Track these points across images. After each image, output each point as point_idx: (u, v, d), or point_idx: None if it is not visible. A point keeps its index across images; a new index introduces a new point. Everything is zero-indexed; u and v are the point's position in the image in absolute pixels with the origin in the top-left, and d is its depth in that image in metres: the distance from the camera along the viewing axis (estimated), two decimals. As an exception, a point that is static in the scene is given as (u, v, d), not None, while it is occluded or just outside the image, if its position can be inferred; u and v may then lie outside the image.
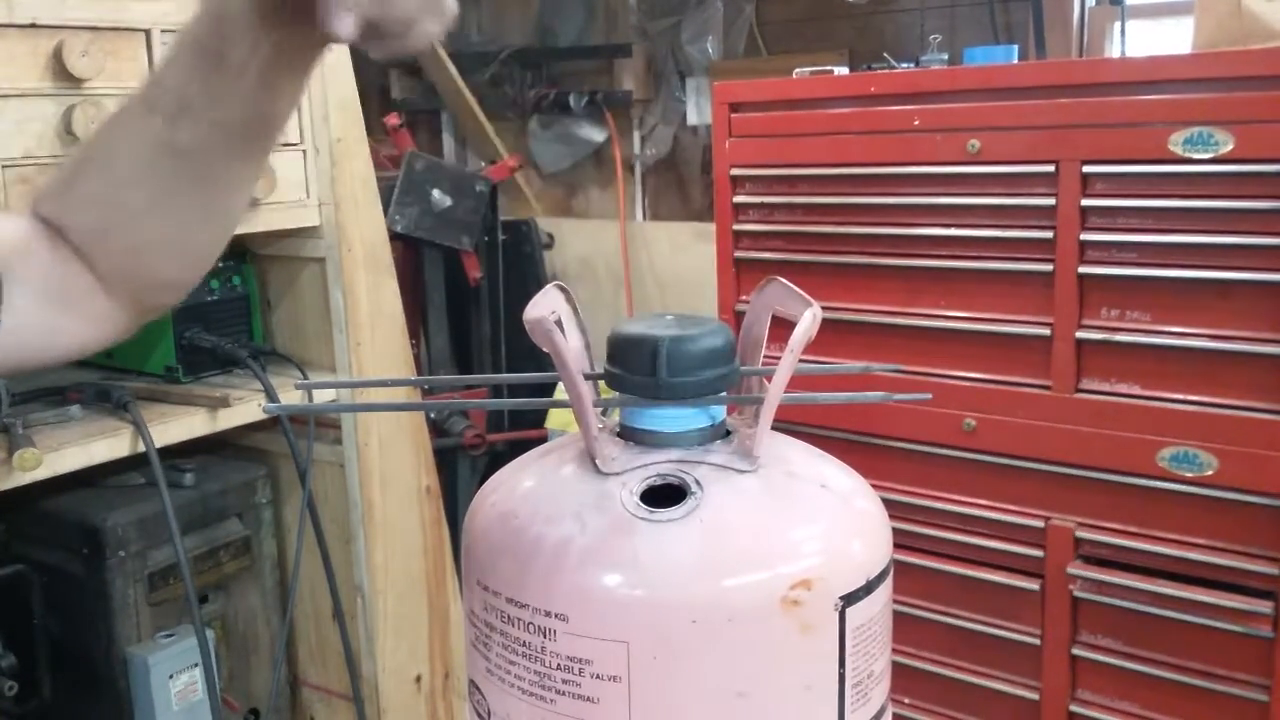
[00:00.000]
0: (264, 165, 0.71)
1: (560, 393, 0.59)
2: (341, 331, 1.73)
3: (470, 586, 0.57)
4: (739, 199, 1.68)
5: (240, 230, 1.09)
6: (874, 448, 1.60)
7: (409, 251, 2.87)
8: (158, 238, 0.73)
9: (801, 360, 0.55)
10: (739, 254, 1.70)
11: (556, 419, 2.89)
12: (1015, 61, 1.62)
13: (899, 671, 0.61)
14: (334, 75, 1.70)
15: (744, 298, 1.71)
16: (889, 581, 0.56)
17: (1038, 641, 1.48)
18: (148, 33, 1.46)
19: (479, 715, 0.58)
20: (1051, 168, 1.38)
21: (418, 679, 1.88)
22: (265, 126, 0.70)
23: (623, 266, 3.35)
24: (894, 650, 0.58)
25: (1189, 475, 1.33)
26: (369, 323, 1.75)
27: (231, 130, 0.68)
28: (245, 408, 1.57)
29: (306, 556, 1.68)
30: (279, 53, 0.65)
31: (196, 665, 1.53)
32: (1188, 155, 1.28)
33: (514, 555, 0.54)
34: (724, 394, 0.58)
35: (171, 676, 1.53)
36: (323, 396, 1.65)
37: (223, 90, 0.65)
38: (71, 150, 0.73)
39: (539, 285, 0.85)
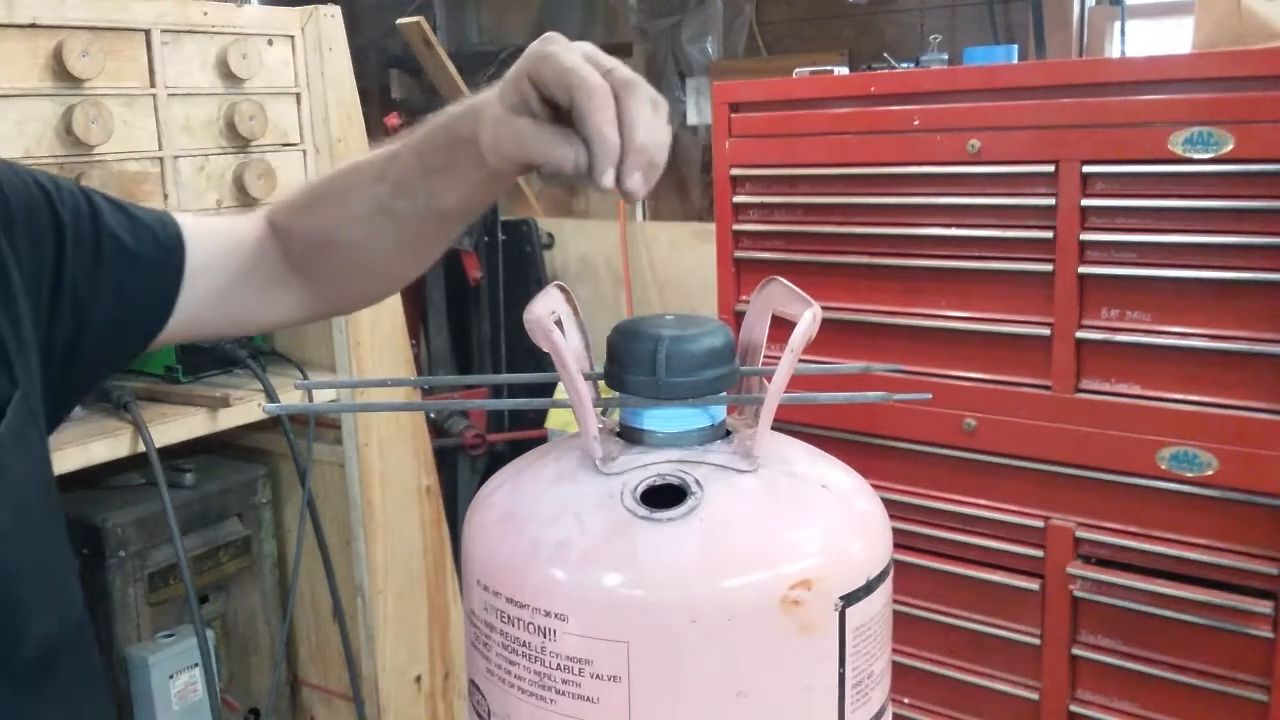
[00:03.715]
0: (461, 229, 0.94)
1: (560, 393, 0.59)
2: (341, 331, 1.72)
3: (470, 586, 0.57)
4: (739, 199, 1.68)
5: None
6: (874, 448, 1.60)
7: (409, 251, 2.86)
8: (367, 264, 0.93)
9: (801, 360, 0.55)
10: (739, 254, 1.70)
11: (556, 419, 2.90)
12: (1015, 61, 1.62)
13: (899, 671, 0.61)
14: (334, 76, 1.70)
15: (744, 298, 1.71)
16: (889, 582, 0.56)
17: (1038, 641, 1.48)
18: (148, 33, 1.45)
19: (479, 715, 0.58)
20: (1051, 168, 1.38)
21: (418, 679, 1.88)
22: (469, 215, 0.88)
23: (623, 266, 3.35)
24: (894, 650, 0.58)
25: (1189, 475, 1.33)
26: (369, 323, 1.74)
27: (439, 213, 0.85)
28: (245, 408, 1.56)
29: (306, 556, 1.68)
30: (496, 176, 0.79)
31: (196, 665, 1.53)
32: (1188, 155, 1.28)
33: (514, 555, 0.54)
34: (724, 394, 0.58)
35: (171, 676, 1.53)
36: (323, 396, 1.65)
37: (442, 190, 0.82)
38: (307, 187, 0.97)
39: (539, 285, 0.87)
